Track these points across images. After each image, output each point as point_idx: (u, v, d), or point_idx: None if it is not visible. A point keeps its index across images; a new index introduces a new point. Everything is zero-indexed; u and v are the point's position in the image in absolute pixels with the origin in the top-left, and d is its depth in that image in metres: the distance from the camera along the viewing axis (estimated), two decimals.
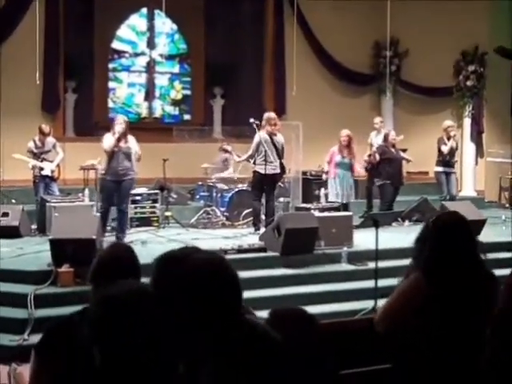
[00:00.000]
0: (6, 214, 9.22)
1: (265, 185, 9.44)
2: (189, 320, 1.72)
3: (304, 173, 12.12)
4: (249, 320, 1.81)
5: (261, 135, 9.42)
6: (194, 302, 1.73)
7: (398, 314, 2.77)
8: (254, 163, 9.57)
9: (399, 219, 10.75)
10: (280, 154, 9.57)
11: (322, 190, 10.86)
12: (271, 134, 9.49)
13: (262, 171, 9.33)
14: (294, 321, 2.11)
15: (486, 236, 8.52)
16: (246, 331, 1.76)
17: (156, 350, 1.68)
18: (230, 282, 1.77)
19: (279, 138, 9.64)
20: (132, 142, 8.74)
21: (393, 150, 10.89)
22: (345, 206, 10.22)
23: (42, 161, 10.03)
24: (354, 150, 10.64)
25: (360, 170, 11.00)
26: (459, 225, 2.89)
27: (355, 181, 12.20)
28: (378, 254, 6.86)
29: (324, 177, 10.93)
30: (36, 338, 5.45)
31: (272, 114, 9.86)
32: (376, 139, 11.67)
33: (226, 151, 11.51)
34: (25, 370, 3.21)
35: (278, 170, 9.52)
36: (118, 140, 8.52)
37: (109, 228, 9.06)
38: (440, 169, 11.04)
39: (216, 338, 1.73)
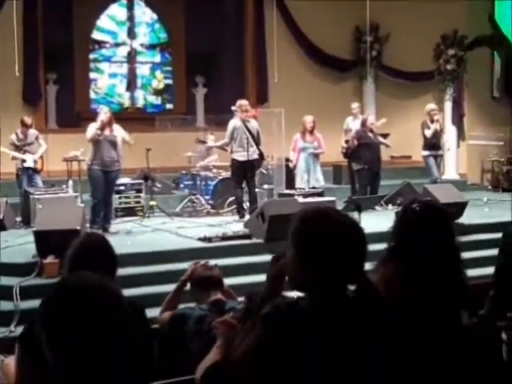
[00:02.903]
0: None
1: (244, 172, 9.48)
2: (319, 270, 1.96)
3: (287, 159, 12.15)
4: (367, 278, 2.05)
5: (234, 122, 9.48)
6: (331, 253, 1.95)
7: None
8: (232, 152, 9.59)
9: (383, 203, 10.82)
10: (256, 139, 9.60)
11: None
12: (244, 121, 9.52)
13: (240, 158, 9.40)
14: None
15: (468, 218, 8.71)
16: (364, 287, 2.01)
17: (108, 350, 1.64)
18: (363, 240, 2.04)
19: (253, 124, 9.67)
20: (118, 131, 8.71)
21: (371, 135, 10.92)
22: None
23: (24, 153, 9.98)
24: (317, 134, 10.98)
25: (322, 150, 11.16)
26: (433, 213, 2.71)
27: (338, 166, 12.33)
28: None
29: (291, 165, 11.14)
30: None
31: (244, 101, 9.89)
32: (353, 124, 11.73)
33: (203, 142, 11.52)
34: (12, 361, 3.24)
35: (255, 156, 9.56)
36: (102, 128, 8.47)
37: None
38: (427, 152, 11.04)
39: (339, 291, 1.97)
